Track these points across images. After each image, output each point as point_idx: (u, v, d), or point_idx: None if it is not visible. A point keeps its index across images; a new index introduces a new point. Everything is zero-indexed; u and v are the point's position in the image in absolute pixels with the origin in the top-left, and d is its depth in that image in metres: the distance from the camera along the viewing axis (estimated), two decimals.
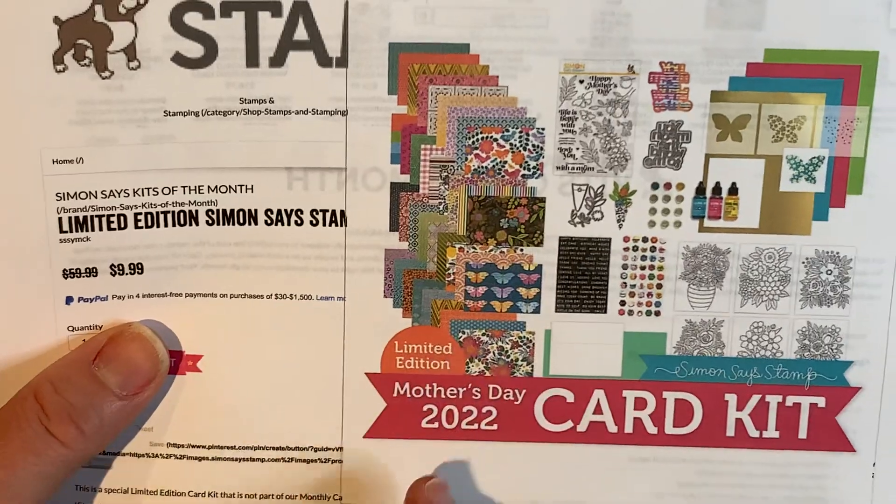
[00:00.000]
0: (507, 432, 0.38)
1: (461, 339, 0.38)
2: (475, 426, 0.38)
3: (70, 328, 0.37)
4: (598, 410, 0.38)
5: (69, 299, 0.37)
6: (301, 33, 0.35)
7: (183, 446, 0.38)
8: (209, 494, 0.39)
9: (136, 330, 0.37)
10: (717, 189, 0.36)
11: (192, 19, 0.35)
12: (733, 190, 0.36)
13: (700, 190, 0.36)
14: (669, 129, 0.36)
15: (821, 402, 0.38)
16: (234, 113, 0.36)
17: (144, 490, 0.39)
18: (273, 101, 0.36)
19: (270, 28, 0.35)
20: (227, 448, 0.38)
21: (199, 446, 0.38)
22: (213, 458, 0.38)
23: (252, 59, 0.35)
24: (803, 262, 0.37)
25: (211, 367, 0.38)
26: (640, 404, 0.38)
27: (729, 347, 0.38)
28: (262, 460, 0.39)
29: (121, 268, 0.37)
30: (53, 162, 0.35)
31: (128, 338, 0.36)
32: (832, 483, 0.38)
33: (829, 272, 0.37)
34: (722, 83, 0.36)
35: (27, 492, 0.34)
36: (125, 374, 0.36)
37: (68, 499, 0.39)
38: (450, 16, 0.35)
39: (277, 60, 0.35)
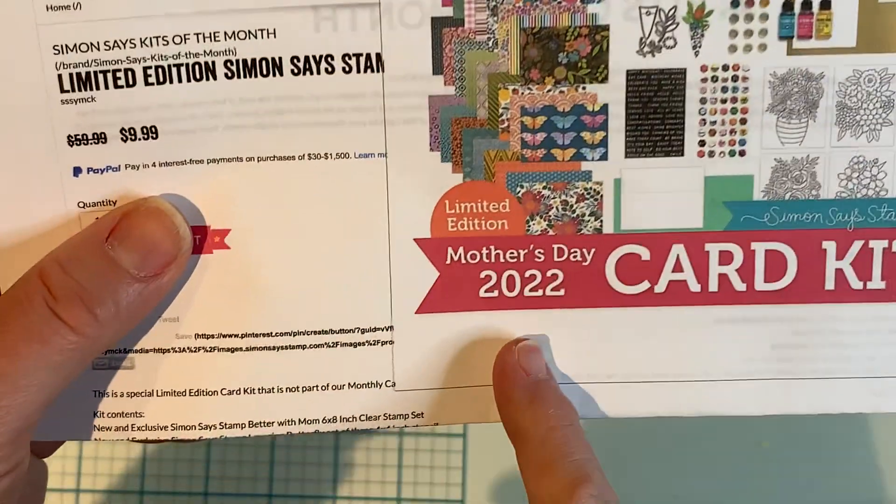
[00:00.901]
0: (576, 297, 0.36)
1: (520, 195, 0.35)
2: (540, 292, 0.36)
3: (81, 204, 0.35)
4: (677, 268, 0.35)
5: (77, 170, 0.35)
6: None
7: (213, 336, 0.36)
8: (245, 391, 0.36)
9: (154, 204, 0.34)
10: (806, 3, 0.34)
11: None
12: (825, 4, 0.34)
13: (787, 6, 0.34)
14: None
15: None
16: None
17: (172, 391, 0.37)
18: None
19: None
20: (263, 336, 0.36)
21: (230, 335, 0.36)
22: (247, 349, 0.36)
23: None
24: None
25: (240, 243, 0.36)
26: (726, 258, 0.35)
27: (825, 188, 0.35)
28: (304, 347, 0.36)
29: (132, 132, 0.34)
30: (48, 9, 0.33)
31: (144, 213, 0.34)
32: None
33: None
34: None
35: (33, 383, 0.31)
36: (142, 252, 0.33)
37: (84, 406, 0.36)
38: None
39: None
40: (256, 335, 0.37)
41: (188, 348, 0.37)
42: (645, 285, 0.36)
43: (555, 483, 0.32)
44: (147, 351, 0.37)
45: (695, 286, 0.36)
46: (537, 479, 0.33)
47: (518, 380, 0.36)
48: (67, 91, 0.34)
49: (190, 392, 0.37)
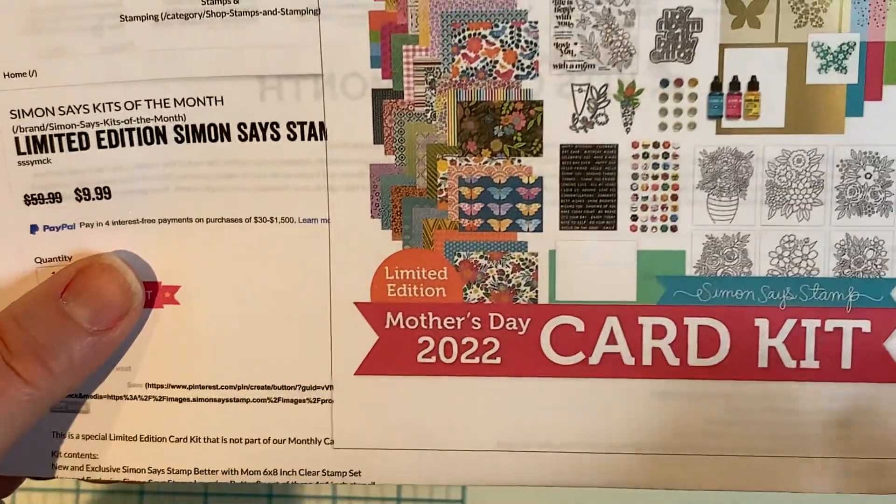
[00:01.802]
0: (512, 366, 0.39)
1: (457, 263, 0.38)
2: (476, 360, 0.39)
3: (38, 260, 0.39)
4: (611, 340, 0.38)
5: (34, 228, 0.39)
6: None
7: (162, 387, 0.40)
8: (191, 439, 0.40)
9: (107, 261, 0.38)
10: (734, 84, 0.36)
11: None
12: (753, 84, 0.36)
13: (716, 86, 0.36)
14: (678, 17, 0.36)
15: (865, 326, 0.37)
16: (197, 16, 0.37)
17: (123, 436, 0.40)
18: (238, 2, 0.37)
19: None
20: (209, 388, 0.40)
21: (178, 386, 0.40)
22: (194, 399, 0.40)
23: None
24: (837, 165, 0.37)
25: (189, 299, 0.39)
26: (659, 332, 0.38)
27: (757, 266, 0.37)
28: (247, 401, 0.40)
29: (86, 192, 0.38)
30: (4, 76, 0.37)
31: (98, 269, 0.38)
32: (882, 419, 0.38)
33: (867, 176, 0.36)
34: None
35: None
36: (96, 307, 0.37)
37: (43, 445, 0.40)
38: None
39: None
40: (203, 387, 0.40)
41: (139, 396, 0.40)
42: (580, 356, 0.39)
43: None
44: (101, 397, 0.41)
45: (629, 359, 0.39)
46: None
47: None
48: (24, 153, 0.38)
49: (141, 437, 0.41)
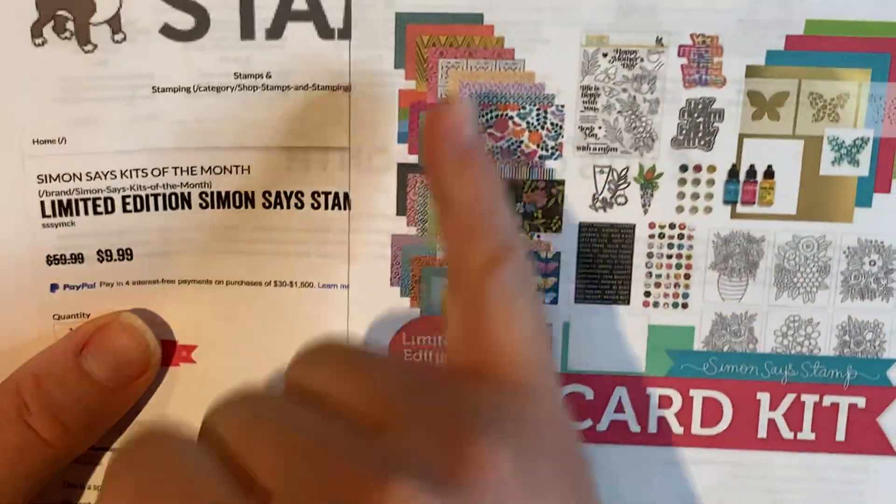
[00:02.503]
0: None
1: None
2: None
3: (56, 316, 0.40)
4: (619, 409, 0.40)
5: (54, 287, 0.40)
6: (300, 3, 0.37)
7: None
8: None
9: (126, 320, 0.39)
10: (751, 172, 0.38)
11: None
12: (769, 173, 0.38)
13: (733, 173, 0.38)
14: (700, 106, 0.38)
15: (861, 402, 0.40)
16: (229, 89, 0.38)
17: None
18: (270, 76, 0.38)
19: None
20: None
21: None
22: (146, 429, 0.41)
23: (247, 31, 0.38)
24: (844, 252, 0.39)
25: (206, 359, 0.41)
26: (666, 402, 0.40)
27: (762, 343, 0.40)
28: None
29: (108, 254, 0.39)
30: (34, 142, 0.38)
31: (117, 328, 0.39)
32: (872, 488, 0.41)
33: (872, 263, 0.39)
34: (758, 57, 0.37)
35: (11, 491, 0.37)
36: (114, 365, 0.38)
37: (56, 495, 0.42)
38: None
39: (275, 32, 0.38)
40: None
41: None
42: (588, 423, 0.41)
43: (478, 252, 0.32)
44: (116, 450, 0.42)
45: (635, 427, 0.41)
46: (461, 247, 0.33)
47: (448, 142, 0.34)
48: (49, 216, 0.39)
49: None
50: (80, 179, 0.39)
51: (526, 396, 0.31)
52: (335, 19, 0.38)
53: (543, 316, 0.33)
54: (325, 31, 0.38)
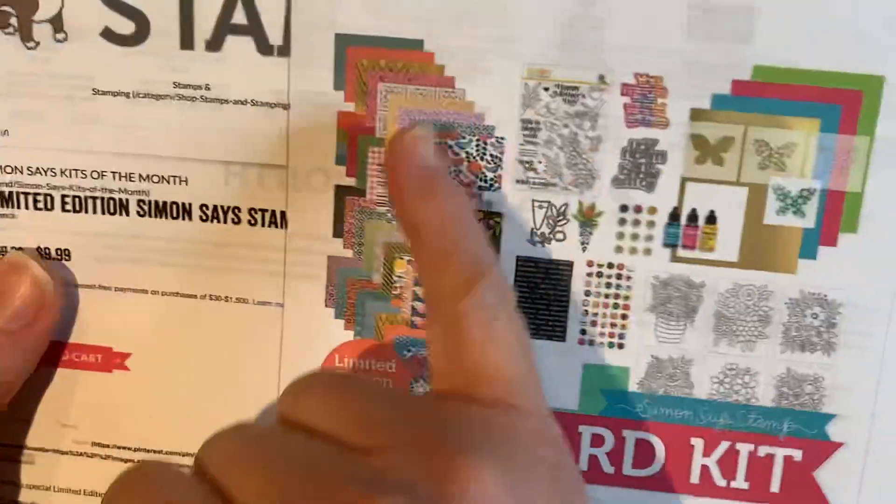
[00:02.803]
0: None
1: (406, 357, 0.40)
2: None
3: None
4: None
5: None
6: (240, 16, 0.37)
7: (108, 447, 0.42)
8: None
9: (12, 258, 0.40)
10: (693, 216, 0.38)
11: None
12: (711, 219, 0.38)
13: (674, 216, 0.38)
14: (643, 147, 0.37)
15: (797, 455, 0.39)
16: (168, 97, 0.38)
17: (68, 489, 0.42)
18: (209, 88, 0.38)
19: (207, 9, 0.37)
20: (154, 452, 0.41)
21: (124, 448, 0.41)
22: (139, 462, 0.41)
23: (187, 41, 0.37)
24: (786, 303, 0.38)
25: (139, 367, 0.41)
26: (598, 441, 0.40)
27: (698, 388, 0.39)
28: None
29: (47, 251, 0.40)
30: None
31: (3, 269, 0.40)
32: None
33: (814, 316, 0.38)
34: (703, 101, 0.37)
35: None
36: (10, 306, 0.39)
37: None
38: (402, 8, 0.37)
39: (214, 44, 0.37)
40: (148, 451, 0.42)
41: (84, 453, 0.42)
42: None
43: (452, 276, 0.33)
44: (47, 450, 0.42)
45: None
46: (433, 273, 0.33)
47: (411, 169, 0.35)
48: None
49: (84, 492, 0.43)
50: (22, 173, 0.39)
51: (512, 415, 0.31)
52: (275, 36, 0.37)
53: (525, 332, 0.33)
54: (264, 47, 0.37)
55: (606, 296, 0.39)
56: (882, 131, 0.36)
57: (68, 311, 0.42)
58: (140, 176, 0.39)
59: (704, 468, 0.40)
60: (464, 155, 0.38)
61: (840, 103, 0.36)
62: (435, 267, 0.33)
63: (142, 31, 0.37)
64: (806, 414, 0.39)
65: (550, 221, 0.38)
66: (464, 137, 0.38)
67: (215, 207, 0.39)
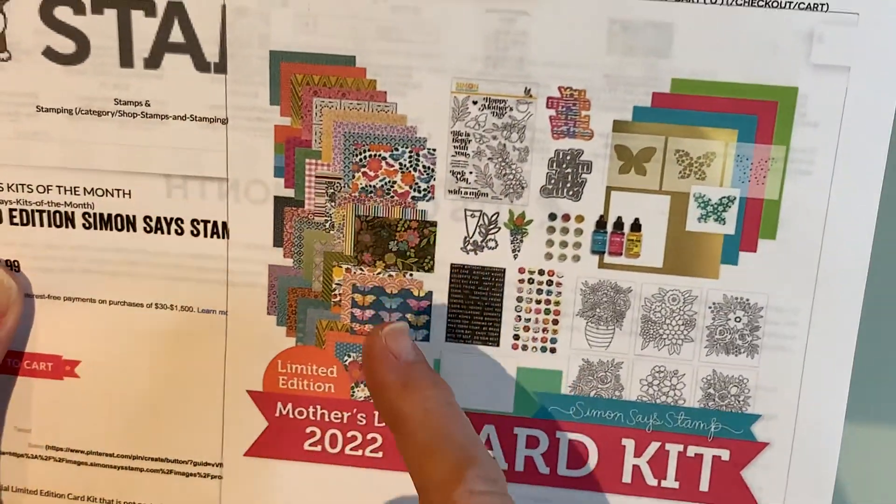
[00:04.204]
0: (392, 461, 0.43)
1: (347, 363, 0.42)
2: (359, 452, 0.43)
3: None
4: (487, 446, 0.42)
5: None
6: (177, 35, 0.39)
7: (62, 450, 0.44)
8: (88, 499, 0.44)
9: None
10: (618, 224, 0.39)
11: (63, 14, 0.39)
12: (636, 226, 0.39)
13: (601, 224, 0.40)
14: (569, 157, 0.39)
15: (724, 455, 0.41)
16: (109, 114, 0.40)
17: (24, 489, 0.44)
18: (149, 105, 0.40)
19: (144, 28, 0.39)
20: (105, 455, 0.43)
21: (77, 451, 0.43)
22: (91, 464, 0.43)
23: (126, 60, 0.39)
24: (710, 307, 0.40)
25: (89, 374, 0.43)
26: (533, 443, 0.42)
27: (628, 391, 0.41)
28: (141, 470, 0.43)
29: None
30: None
31: None
32: None
33: (737, 319, 0.40)
34: (625, 113, 0.38)
35: None
36: None
37: None
38: (333, 25, 0.38)
39: (153, 62, 0.39)
40: (99, 454, 0.44)
41: (39, 456, 0.44)
42: None
43: (440, 467, 0.33)
44: (3, 453, 0.44)
45: (502, 464, 0.43)
46: (421, 465, 0.34)
47: (389, 364, 0.37)
48: None
49: (41, 492, 0.45)
50: None
51: None
52: (211, 53, 0.39)
53: None
54: (201, 65, 0.39)
55: (538, 301, 0.41)
56: (797, 141, 0.38)
57: (25, 320, 0.42)
58: (85, 189, 0.41)
59: (636, 468, 0.42)
60: (398, 166, 0.40)
61: (756, 114, 0.38)
62: (423, 458, 0.34)
63: (82, 50, 0.39)
64: (732, 415, 0.41)
65: (482, 230, 0.40)
66: (397, 149, 0.40)
67: (158, 219, 0.41)
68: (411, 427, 0.35)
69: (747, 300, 0.40)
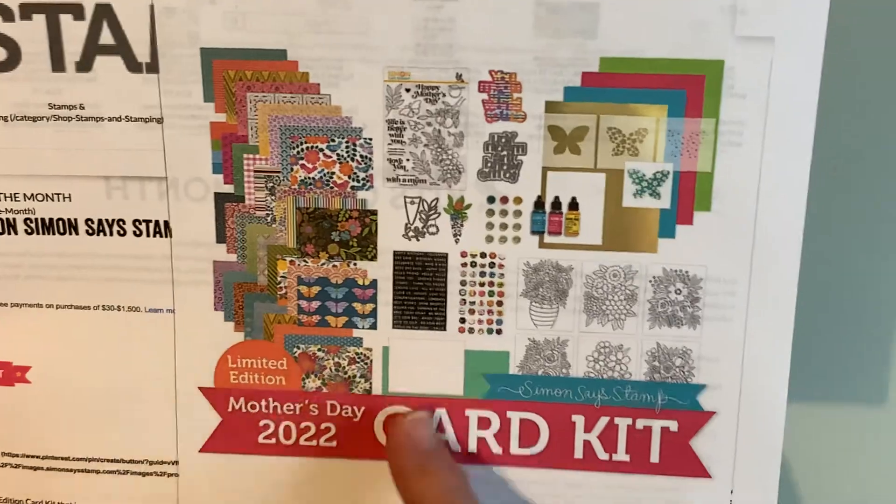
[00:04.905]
0: (347, 449, 0.43)
1: (296, 355, 0.42)
2: (314, 442, 0.43)
3: None
4: (440, 429, 0.43)
5: None
6: (107, 37, 0.39)
7: (17, 456, 0.44)
8: (47, 503, 0.44)
9: None
10: (556, 204, 0.40)
11: None
12: (574, 205, 0.40)
13: (539, 204, 0.40)
14: (503, 140, 0.40)
15: (673, 426, 0.42)
16: (44, 119, 0.40)
17: None
18: (84, 108, 0.40)
19: (74, 32, 0.39)
20: (61, 459, 0.44)
21: (33, 456, 0.44)
22: (47, 469, 0.44)
23: (58, 64, 0.40)
24: (650, 281, 0.41)
25: (41, 379, 0.43)
26: (484, 424, 0.42)
27: (575, 367, 0.42)
28: (97, 472, 0.44)
29: None
30: None
31: None
32: None
33: (678, 292, 0.41)
34: (556, 93, 0.39)
35: None
36: None
37: None
38: (262, 21, 0.39)
39: (84, 65, 0.40)
40: (55, 458, 0.45)
41: None
42: None
43: None
44: None
45: (455, 446, 0.43)
46: None
47: (409, 451, 0.42)
48: None
49: (0, 500, 0.45)
50: None
51: None
52: (142, 54, 0.40)
53: None
54: (133, 65, 0.40)
55: (482, 284, 0.41)
56: (725, 113, 0.39)
57: None
58: (25, 195, 0.41)
59: (587, 443, 0.43)
60: (335, 157, 0.40)
61: (685, 88, 0.39)
62: None
63: (13, 56, 0.40)
64: (678, 386, 0.42)
65: (423, 216, 0.41)
66: (333, 140, 0.40)
67: (100, 221, 0.41)
68: None
69: (686, 272, 0.41)
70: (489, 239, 0.41)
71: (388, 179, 0.40)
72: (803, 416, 0.50)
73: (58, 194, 0.41)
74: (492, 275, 0.41)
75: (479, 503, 0.40)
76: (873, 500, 0.51)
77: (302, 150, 0.40)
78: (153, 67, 0.40)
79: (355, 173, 0.40)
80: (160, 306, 0.42)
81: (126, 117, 0.40)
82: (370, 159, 0.40)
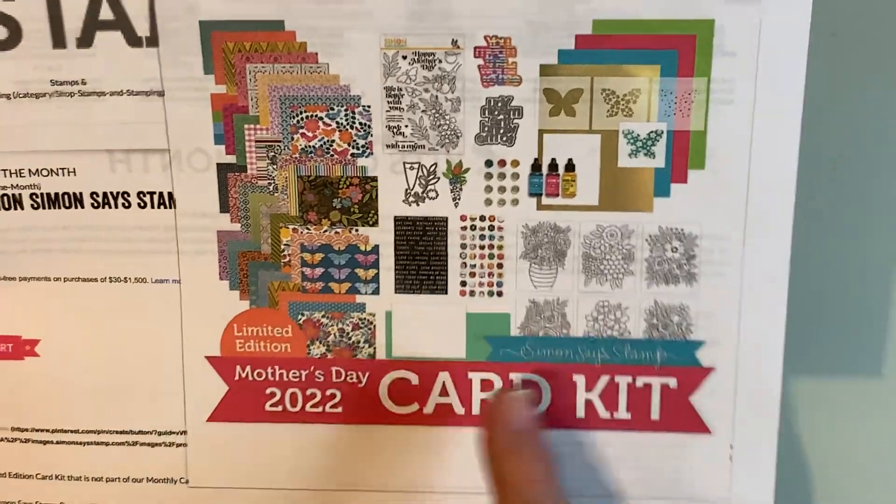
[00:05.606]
0: (353, 415, 0.44)
1: (301, 322, 0.44)
2: (319, 409, 0.44)
3: None
4: (444, 392, 0.44)
5: None
6: (106, 12, 0.41)
7: (27, 430, 0.45)
8: (56, 477, 0.45)
9: None
10: (553, 166, 0.41)
11: None
12: (570, 166, 0.41)
13: (536, 167, 0.42)
14: (500, 104, 0.41)
15: (672, 382, 0.43)
16: (46, 95, 0.41)
17: None
18: (85, 83, 0.41)
19: (74, 8, 0.41)
20: (71, 432, 0.45)
21: (42, 430, 0.45)
22: (57, 442, 0.45)
23: (58, 40, 0.41)
24: (647, 240, 0.42)
25: (49, 352, 0.44)
26: (487, 386, 0.44)
27: (575, 327, 0.43)
28: (106, 444, 0.45)
29: None
30: None
31: None
32: (688, 465, 0.44)
33: (674, 249, 0.42)
34: (551, 56, 0.40)
35: None
36: None
37: None
38: None
39: (84, 41, 0.41)
40: (64, 431, 0.46)
41: (5, 438, 0.46)
42: (415, 406, 0.45)
43: None
44: None
45: (459, 409, 0.45)
46: None
47: (503, 429, 0.42)
48: None
49: (9, 474, 0.46)
50: None
51: None
52: (141, 28, 0.41)
53: None
54: (133, 40, 0.41)
55: (481, 247, 0.43)
56: (717, 71, 0.40)
57: None
58: (30, 171, 0.42)
59: (588, 402, 0.44)
60: (335, 125, 0.42)
61: (676, 48, 0.40)
62: None
63: (14, 34, 0.41)
64: (676, 343, 0.43)
65: (422, 181, 0.42)
66: (332, 108, 0.41)
67: (105, 194, 0.43)
68: (511, 487, 0.39)
69: (682, 230, 0.42)
70: (488, 202, 0.42)
71: (388, 146, 0.42)
72: (804, 383, 0.51)
73: (62, 169, 0.42)
74: (491, 238, 0.42)
75: (564, 492, 0.40)
76: (876, 462, 0.52)
77: (302, 119, 0.41)
78: (153, 41, 0.41)
79: (355, 140, 0.42)
80: (166, 277, 0.43)
81: (127, 91, 0.41)
82: (369, 126, 0.41)
